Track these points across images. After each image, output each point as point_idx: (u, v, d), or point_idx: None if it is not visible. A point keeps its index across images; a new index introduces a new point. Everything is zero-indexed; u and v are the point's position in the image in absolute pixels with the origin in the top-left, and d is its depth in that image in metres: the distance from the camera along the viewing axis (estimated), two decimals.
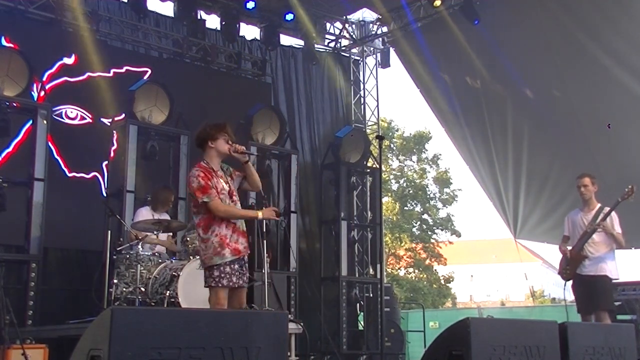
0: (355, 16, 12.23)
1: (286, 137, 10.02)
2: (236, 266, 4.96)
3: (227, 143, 5.05)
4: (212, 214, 4.92)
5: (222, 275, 4.89)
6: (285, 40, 11.59)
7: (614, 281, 6.91)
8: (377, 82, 12.65)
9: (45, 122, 7.70)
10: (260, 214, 5.24)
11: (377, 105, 12.67)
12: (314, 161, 11.45)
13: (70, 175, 8.65)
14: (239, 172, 5.20)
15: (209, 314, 3.81)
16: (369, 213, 11.39)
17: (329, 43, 12.26)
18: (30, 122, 7.75)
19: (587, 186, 6.89)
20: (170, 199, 7.90)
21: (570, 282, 7.01)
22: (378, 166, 10.48)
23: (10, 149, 8.00)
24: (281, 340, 3.73)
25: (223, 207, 4.94)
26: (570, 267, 6.88)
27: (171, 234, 7.62)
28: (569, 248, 7.01)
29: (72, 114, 8.82)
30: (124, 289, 6.77)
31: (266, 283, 7.82)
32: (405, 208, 28.82)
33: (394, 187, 28.94)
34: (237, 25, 10.47)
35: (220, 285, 4.88)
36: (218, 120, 5.23)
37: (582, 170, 7.19)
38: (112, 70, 9.22)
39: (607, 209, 6.73)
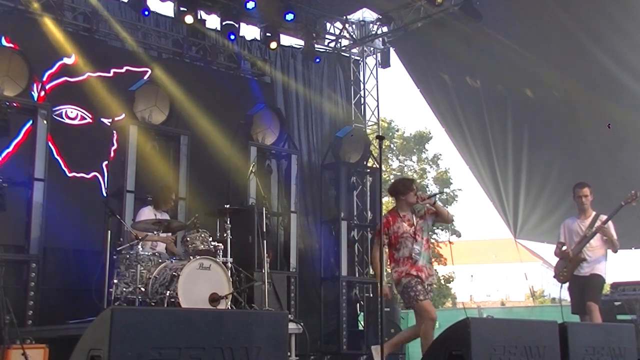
0: (355, 16, 12.21)
1: (286, 137, 10.02)
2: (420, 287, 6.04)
3: (415, 195, 6.19)
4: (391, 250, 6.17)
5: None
6: (285, 40, 11.60)
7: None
8: (377, 82, 12.64)
9: (45, 122, 7.70)
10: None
11: (377, 105, 12.65)
12: (314, 161, 11.43)
13: (70, 175, 8.63)
14: (431, 211, 6.31)
15: (209, 314, 3.82)
16: (369, 213, 11.38)
17: (329, 43, 12.24)
18: (30, 122, 7.76)
19: (587, 196, 7.16)
20: (171, 197, 7.90)
21: (566, 285, 7.26)
22: (378, 166, 10.48)
23: (10, 149, 7.98)
24: (281, 340, 3.73)
25: (373, 254, 6.51)
26: (567, 270, 7.15)
27: (171, 234, 7.61)
28: (564, 250, 7.24)
29: (72, 114, 8.81)
30: (124, 289, 6.76)
31: (266, 283, 7.84)
32: None
33: None
34: (237, 25, 10.47)
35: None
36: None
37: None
38: (112, 70, 9.22)
39: (603, 216, 7.01)
